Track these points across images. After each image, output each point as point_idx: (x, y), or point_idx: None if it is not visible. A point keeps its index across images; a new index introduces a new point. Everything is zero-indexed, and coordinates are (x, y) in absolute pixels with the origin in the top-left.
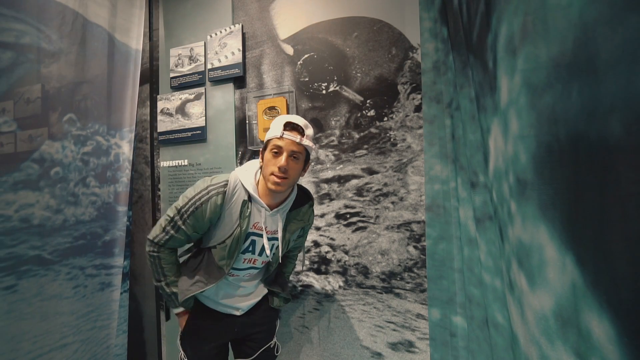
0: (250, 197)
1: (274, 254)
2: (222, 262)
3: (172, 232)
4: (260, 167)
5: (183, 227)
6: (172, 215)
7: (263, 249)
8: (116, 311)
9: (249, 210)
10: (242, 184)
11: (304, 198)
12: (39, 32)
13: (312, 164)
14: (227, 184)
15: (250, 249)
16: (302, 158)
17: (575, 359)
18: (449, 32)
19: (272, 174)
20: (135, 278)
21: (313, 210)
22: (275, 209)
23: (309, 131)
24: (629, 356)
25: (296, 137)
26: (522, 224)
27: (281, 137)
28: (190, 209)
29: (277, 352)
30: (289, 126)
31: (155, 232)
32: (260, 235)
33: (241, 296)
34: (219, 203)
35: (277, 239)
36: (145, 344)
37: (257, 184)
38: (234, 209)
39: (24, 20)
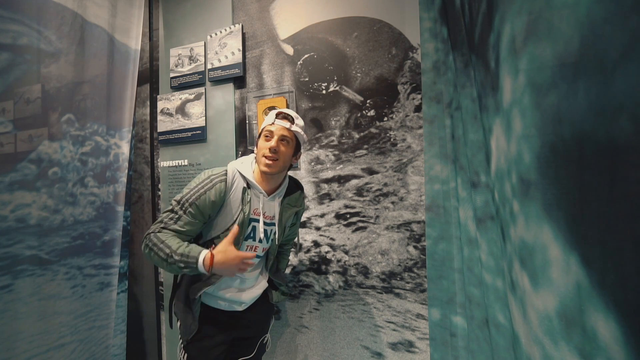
0: (248, 185)
1: (272, 240)
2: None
3: (171, 222)
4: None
5: (185, 215)
6: (171, 207)
7: (264, 235)
8: (115, 311)
9: (249, 197)
10: (239, 173)
11: (294, 187)
12: (37, 33)
13: (312, 164)
14: (226, 173)
15: (252, 235)
16: (292, 144)
17: (580, 359)
18: (449, 32)
19: (263, 155)
20: (135, 278)
21: (304, 197)
22: (272, 195)
23: (299, 121)
24: (635, 357)
25: (287, 124)
26: (525, 223)
27: (273, 124)
28: (193, 197)
29: (267, 348)
30: (281, 115)
31: (151, 227)
32: (259, 221)
33: (243, 289)
34: (222, 189)
35: (274, 224)
36: (145, 344)
37: (254, 172)
38: (235, 196)
39: (21, 22)
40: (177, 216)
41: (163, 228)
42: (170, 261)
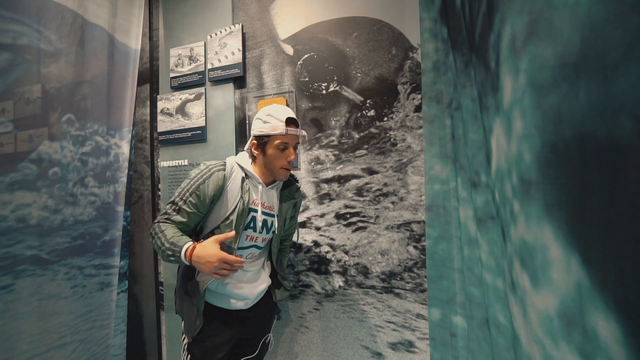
0: (247, 175)
1: (272, 231)
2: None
3: (173, 214)
4: (254, 158)
5: (185, 205)
6: (173, 199)
7: (263, 225)
8: (115, 311)
9: (247, 186)
10: (238, 164)
11: (290, 180)
12: (37, 33)
13: (312, 164)
14: (225, 164)
15: (252, 225)
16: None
17: (580, 359)
18: (450, 32)
19: (282, 167)
20: (135, 278)
21: (300, 189)
22: (270, 186)
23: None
24: (635, 357)
25: (296, 131)
26: (526, 223)
27: (286, 134)
28: (193, 187)
29: (270, 347)
30: (288, 122)
31: (157, 217)
32: (257, 211)
33: (246, 283)
34: (220, 177)
35: (274, 215)
36: (145, 344)
37: (252, 164)
38: (234, 185)
39: (21, 21)
40: (177, 207)
41: (167, 219)
42: (163, 249)
